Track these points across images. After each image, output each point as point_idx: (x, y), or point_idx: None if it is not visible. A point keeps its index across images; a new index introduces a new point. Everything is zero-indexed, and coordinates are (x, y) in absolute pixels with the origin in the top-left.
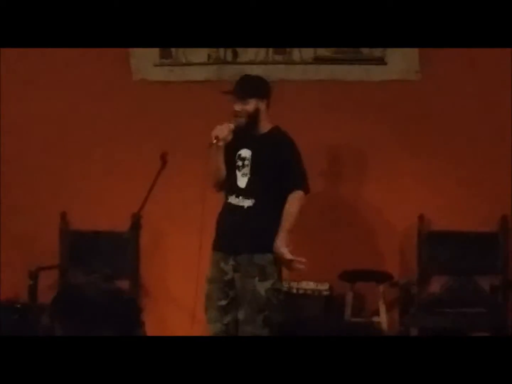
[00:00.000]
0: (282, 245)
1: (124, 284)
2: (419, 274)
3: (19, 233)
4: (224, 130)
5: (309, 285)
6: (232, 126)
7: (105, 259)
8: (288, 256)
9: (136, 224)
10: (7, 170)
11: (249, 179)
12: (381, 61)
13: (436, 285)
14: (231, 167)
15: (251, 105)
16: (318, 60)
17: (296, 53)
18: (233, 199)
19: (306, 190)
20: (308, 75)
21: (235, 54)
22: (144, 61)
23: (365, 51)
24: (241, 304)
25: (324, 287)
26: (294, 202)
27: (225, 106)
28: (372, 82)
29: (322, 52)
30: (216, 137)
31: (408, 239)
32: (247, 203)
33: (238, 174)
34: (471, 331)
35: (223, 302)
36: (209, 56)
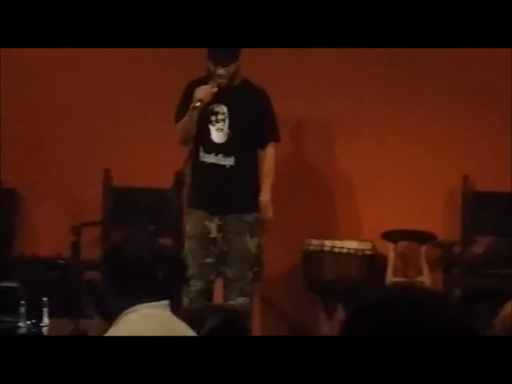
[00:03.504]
0: (269, 201)
1: (167, 241)
2: (462, 235)
3: (63, 190)
4: (208, 93)
5: (352, 244)
6: (215, 89)
7: (148, 216)
8: (271, 214)
9: (179, 181)
10: (51, 127)
11: (228, 135)
12: None
13: (479, 246)
14: (203, 122)
15: (232, 68)
16: None
17: None
18: (211, 158)
19: (279, 140)
20: None
21: None
22: None
23: None
24: (231, 262)
25: (367, 246)
26: (272, 156)
27: (260, 70)
28: None
29: None
30: (200, 100)
31: (452, 199)
32: (228, 161)
33: (212, 129)
34: None
35: (209, 260)
36: None
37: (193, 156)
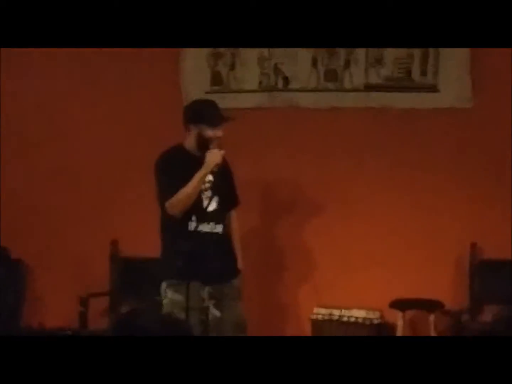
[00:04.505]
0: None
1: None
2: (471, 303)
3: (70, 260)
4: (220, 157)
5: (360, 313)
6: (223, 152)
7: (156, 286)
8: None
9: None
10: (59, 197)
11: (217, 203)
12: (433, 88)
13: (488, 314)
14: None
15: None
16: (369, 88)
17: (348, 81)
18: (205, 226)
19: (239, 204)
20: (359, 103)
21: (286, 81)
22: (195, 87)
23: (417, 78)
24: (226, 329)
25: (375, 315)
26: (236, 219)
27: (276, 132)
28: (424, 110)
29: (373, 79)
30: (218, 165)
31: (460, 267)
32: (219, 229)
33: (203, 197)
34: None
35: (200, 330)
36: (260, 83)
37: (179, 225)
